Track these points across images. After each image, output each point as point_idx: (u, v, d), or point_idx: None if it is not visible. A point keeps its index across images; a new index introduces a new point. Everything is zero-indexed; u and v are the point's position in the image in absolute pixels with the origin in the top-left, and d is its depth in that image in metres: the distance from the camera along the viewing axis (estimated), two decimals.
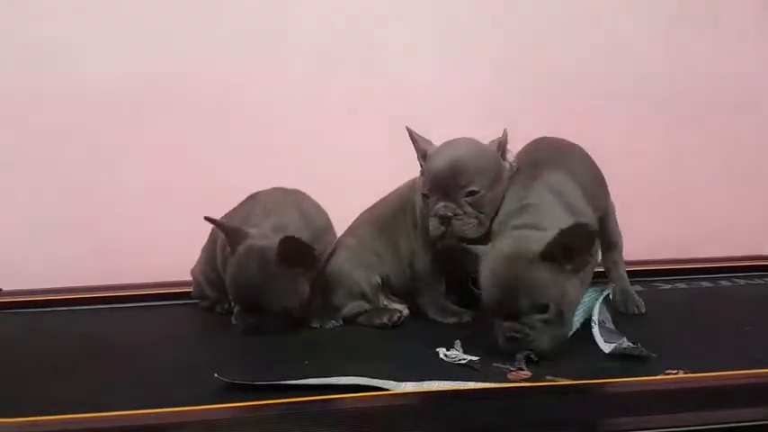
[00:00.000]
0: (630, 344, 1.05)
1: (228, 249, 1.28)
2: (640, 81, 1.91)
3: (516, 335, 1.04)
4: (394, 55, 1.81)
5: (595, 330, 1.11)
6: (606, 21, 1.90)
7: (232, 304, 1.27)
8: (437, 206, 1.21)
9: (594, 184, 1.27)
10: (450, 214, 1.19)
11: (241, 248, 1.22)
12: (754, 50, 1.97)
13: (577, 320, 1.14)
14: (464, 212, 1.20)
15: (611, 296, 1.20)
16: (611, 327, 1.15)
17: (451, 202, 1.20)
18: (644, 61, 1.92)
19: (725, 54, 1.94)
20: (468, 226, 1.20)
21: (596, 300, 1.18)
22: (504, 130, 1.27)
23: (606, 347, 1.06)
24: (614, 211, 1.33)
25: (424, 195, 1.24)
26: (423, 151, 1.27)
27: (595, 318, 1.13)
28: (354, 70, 1.80)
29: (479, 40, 1.86)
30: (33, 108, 1.71)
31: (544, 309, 1.05)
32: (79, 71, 1.72)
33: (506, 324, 1.06)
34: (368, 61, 1.81)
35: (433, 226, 1.21)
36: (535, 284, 1.05)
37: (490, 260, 1.09)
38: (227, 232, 1.26)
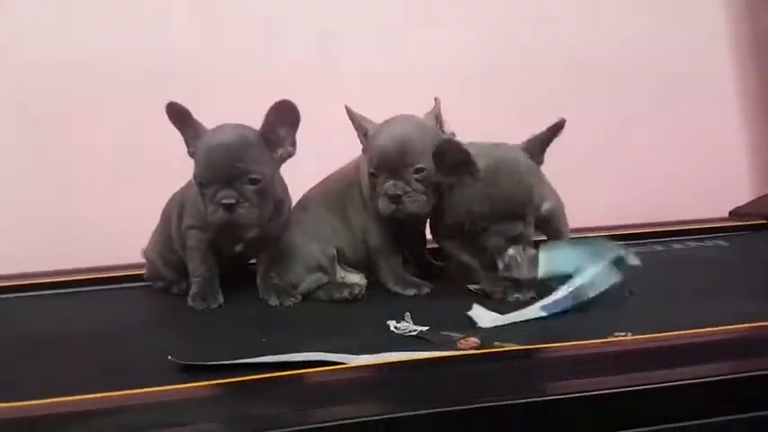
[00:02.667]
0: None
1: (185, 227, 1.29)
2: (584, 49, 1.92)
3: (518, 232, 1.18)
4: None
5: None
6: None
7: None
8: (386, 185, 1.22)
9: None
10: (399, 193, 1.22)
11: None
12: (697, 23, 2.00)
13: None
14: (413, 190, 1.22)
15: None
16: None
17: (399, 180, 1.22)
18: (590, 30, 1.94)
19: (669, 25, 1.97)
20: (417, 203, 1.23)
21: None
22: (437, 99, 1.30)
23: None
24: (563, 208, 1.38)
25: (372, 174, 1.25)
26: (363, 130, 1.29)
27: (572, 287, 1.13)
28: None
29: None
30: None
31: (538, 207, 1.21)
32: (22, 50, 1.68)
33: (509, 225, 1.18)
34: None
35: (383, 205, 1.23)
36: (537, 187, 1.21)
37: (493, 173, 1.18)
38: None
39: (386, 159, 1.23)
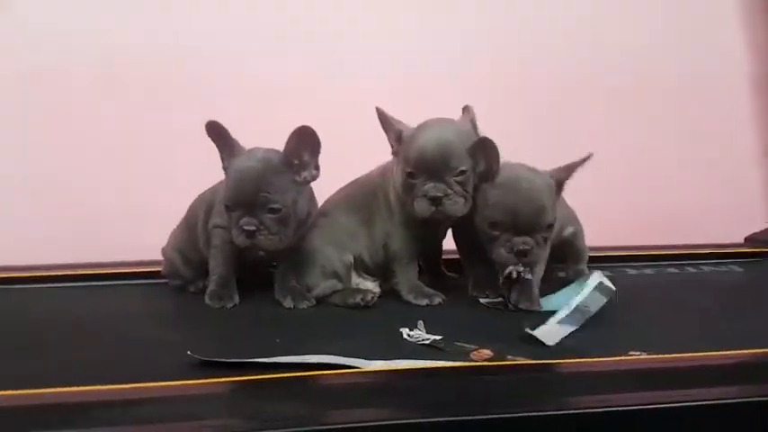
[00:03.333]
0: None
1: (212, 225, 1.32)
2: (606, 66, 1.93)
3: (527, 248, 1.19)
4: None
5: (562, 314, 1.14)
6: None
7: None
8: (426, 187, 1.23)
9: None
10: (440, 195, 1.22)
11: None
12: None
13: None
14: (453, 192, 1.23)
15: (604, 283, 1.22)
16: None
17: (440, 182, 1.23)
18: (614, 44, 1.94)
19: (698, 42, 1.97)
20: (457, 205, 1.23)
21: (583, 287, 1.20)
22: (470, 107, 1.31)
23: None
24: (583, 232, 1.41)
25: (409, 175, 1.25)
26: (396, 132, 1.28)
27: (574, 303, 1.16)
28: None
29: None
30: None
31: (551, 227, 1.22)
32: (35, 48, 1.70)
33: (519, 239, 1.19)
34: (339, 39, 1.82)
35: (423, 206, 1.24)
36: (552, 206, 1.22)
37: (527, 183, 1.21)
38: None
39: (427, 161, 1.23)
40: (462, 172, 1.23)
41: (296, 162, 1.25)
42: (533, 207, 1.20)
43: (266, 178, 1.22)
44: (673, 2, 1.97)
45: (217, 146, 1.26)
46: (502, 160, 1.23)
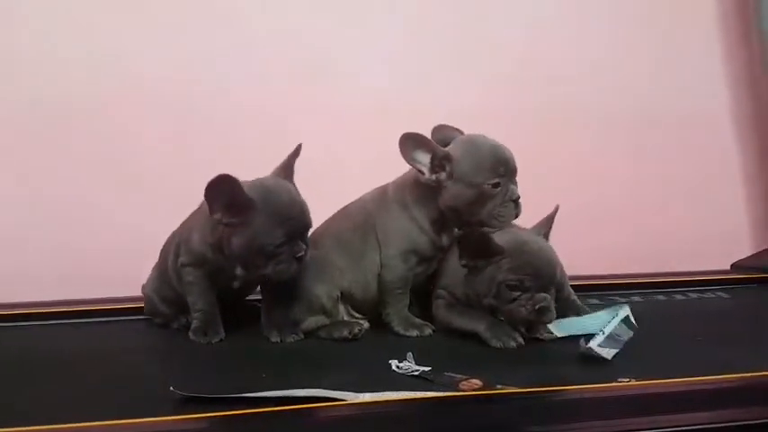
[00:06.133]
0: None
1: (180, 263, 1.29)
2: (600, 97, 1.96)
3: (548, 305, 1.19)
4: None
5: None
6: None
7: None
8: (511, 190, 1.26)
9: None
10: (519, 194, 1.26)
11: None
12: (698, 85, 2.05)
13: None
14: None
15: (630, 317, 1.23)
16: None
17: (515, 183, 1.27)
18: (611, 78, 1.98)
19: (678, 72, 2.02)
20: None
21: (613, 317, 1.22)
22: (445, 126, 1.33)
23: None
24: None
25: (494, 185, 1.24)
26: (444, 153, 1.26)
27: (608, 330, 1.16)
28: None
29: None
30: None
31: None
32: (44, 78, 1.71)
33: (541, 295, 1.19)
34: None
35: (510, 210, 1.26)
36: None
37: (534, 244, 1.22)
38: None
39: (510, 163, 1.26)
40: None
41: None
42: (548, 265, 1.22)
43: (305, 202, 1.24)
44: (662, 53, 2.03)
45: (224, 205, 1.18)
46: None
